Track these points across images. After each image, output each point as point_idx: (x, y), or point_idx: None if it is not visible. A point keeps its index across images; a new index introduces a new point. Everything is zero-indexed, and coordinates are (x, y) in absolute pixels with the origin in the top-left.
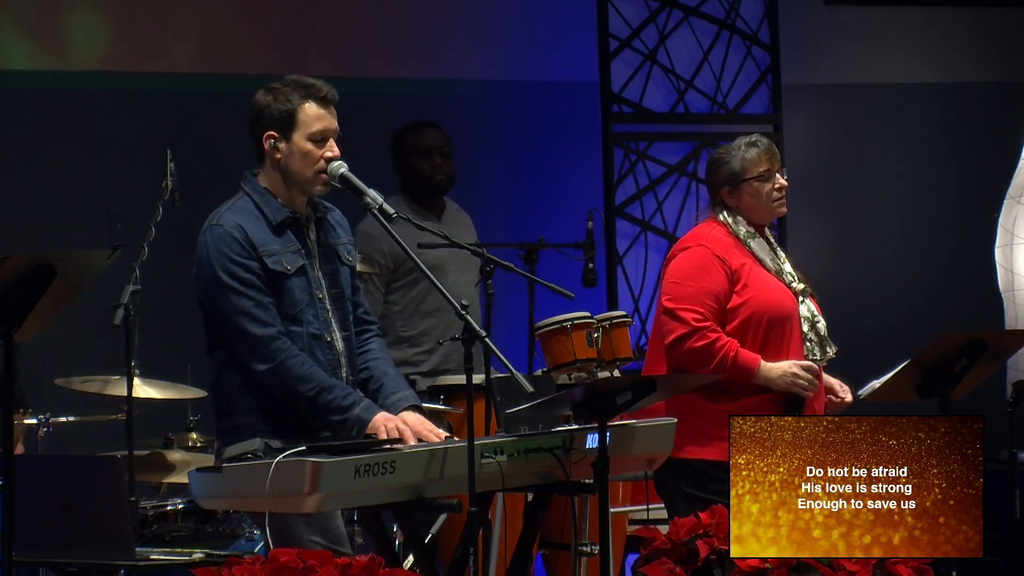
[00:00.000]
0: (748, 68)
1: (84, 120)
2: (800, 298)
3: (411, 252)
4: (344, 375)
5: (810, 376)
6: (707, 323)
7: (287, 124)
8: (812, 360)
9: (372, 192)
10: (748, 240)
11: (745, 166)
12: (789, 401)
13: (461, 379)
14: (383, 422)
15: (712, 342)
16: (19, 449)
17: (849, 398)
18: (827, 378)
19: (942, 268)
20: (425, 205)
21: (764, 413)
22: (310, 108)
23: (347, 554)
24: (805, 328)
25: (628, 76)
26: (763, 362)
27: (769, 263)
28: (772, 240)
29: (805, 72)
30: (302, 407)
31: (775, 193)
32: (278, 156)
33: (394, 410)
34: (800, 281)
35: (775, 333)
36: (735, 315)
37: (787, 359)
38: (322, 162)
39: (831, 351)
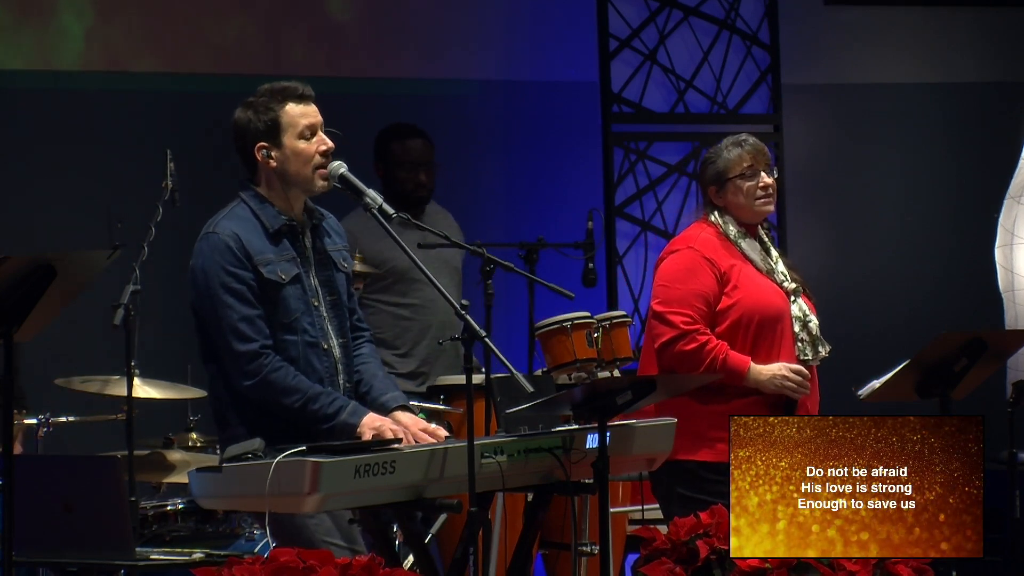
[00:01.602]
0: (748, 68)
1: (84, 120)
2: (792, 298)
3: (410, 252)
4: (341, 382)
5: (800, 379)
6: (696, 326)
7: (274, 131)
8: (804, 360)
9: (372, 192)
10: (738, 240)
11: (729, 165)
12: (781, 403)
13: (461, 379)
14: (368, 425)
15: (701, 345)
16: (17, 449)
17: None
18: None
19: (942, 268)
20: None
21: (756, 414)
22: (291, 109)
23: (362, 551)
24: (797, 328)
25: (628, 76)
26: (753, 364)
27: (760, 263)
28: (765, 239)
29: (805, 72)
30: (290, 418)
31: (759, 191)
32: (273, 164)
33: (384, 410)
34: (793, 280)
35: (766, 333)
36: (725, 316)
37: (778, 359)
38: (318, 157)
39: (823, 350)
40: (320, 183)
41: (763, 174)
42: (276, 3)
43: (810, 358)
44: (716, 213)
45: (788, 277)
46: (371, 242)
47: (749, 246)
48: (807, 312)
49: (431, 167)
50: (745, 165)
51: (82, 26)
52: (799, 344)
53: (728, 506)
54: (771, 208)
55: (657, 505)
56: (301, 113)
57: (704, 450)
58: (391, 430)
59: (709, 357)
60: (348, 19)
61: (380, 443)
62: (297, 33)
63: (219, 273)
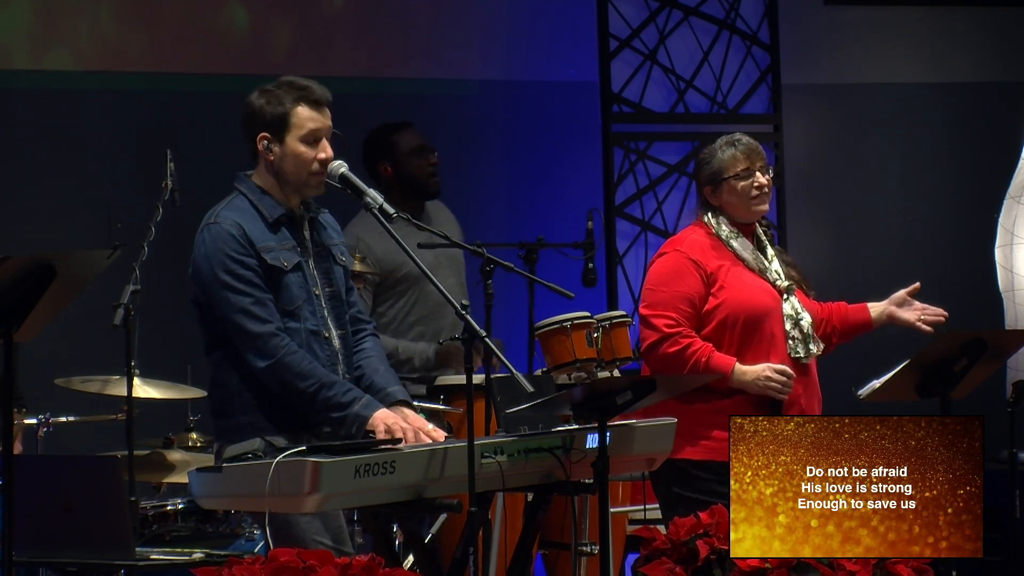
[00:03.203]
0: (748, 68)
1: (84, 120)
2: (784, 296)
3: (411, 252)
4: (341, 372)
5: (784, 379)
6: (679, 328)
7: (280, 126)
8: (796, 358)
9: (372, 192)
10: (730, 240)
11: (723, 165)
12: (765, 403)
13: (461, 379)
14: (382, 419)
15: (684, 348)
16: (17, 449)
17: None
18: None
19: (942, 268)
20: (408, 206)
21: (739, 414)
22: (302, 111)
23: (349, 553)
24: (788, 326)
25: (628, 76)
26: (737, 365)
27: (752, 262)
28: (762, 238)
29: (805, 72)
30: (302, 404)
31: (754, 191)
32: (271, 158)
33: (385, 403)
34: (788, 278)
35: (752, 333)
36: (711, 317)
37: (767, 358)
38: (316, 164)
39: (816, 349)
40: (313, 189)
41: (758, 174)
42: (276, 3)
43: (802, 356)
44: (710, 214)
45: (783, 275)
46: (387, 249)
47: (741, 245)
48: (800, 310)
49: (433, 149)
50: (740, 167)
51: (85, 26)
52: (790, 342)
53: (724, 506)
54: (766, 208)
55: (657, 505)
56: (310, 117)
57: (688, 448)
58: (402, 428)
59: (692, 359)
60: (348, 19)
61: (380, 443)
62: (297, 33)
63: (224, 261)
